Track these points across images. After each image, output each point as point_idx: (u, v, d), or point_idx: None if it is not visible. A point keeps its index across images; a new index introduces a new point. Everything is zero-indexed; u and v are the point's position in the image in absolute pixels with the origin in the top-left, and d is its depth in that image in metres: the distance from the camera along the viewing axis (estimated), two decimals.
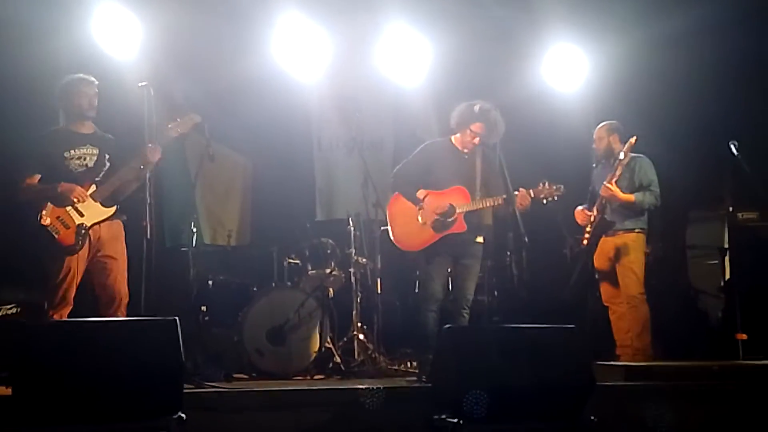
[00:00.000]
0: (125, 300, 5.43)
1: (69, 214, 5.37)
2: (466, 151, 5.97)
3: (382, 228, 6.76)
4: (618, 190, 6.42)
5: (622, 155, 6.39)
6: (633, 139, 6.39)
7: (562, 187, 5.84)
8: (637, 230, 6.50)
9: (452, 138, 6.03)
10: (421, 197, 5.86)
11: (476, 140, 5.89)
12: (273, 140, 8.05)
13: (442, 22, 7.51)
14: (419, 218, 5.86)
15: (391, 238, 6.05)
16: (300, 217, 7.61)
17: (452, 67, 7.61)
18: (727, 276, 7.38)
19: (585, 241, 6.56)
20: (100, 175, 5.50)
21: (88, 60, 5.98)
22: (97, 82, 5.57)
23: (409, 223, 5.89)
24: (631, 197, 6.43)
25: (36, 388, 3.92)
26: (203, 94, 7.06)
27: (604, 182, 6.42)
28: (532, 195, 5.78)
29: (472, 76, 7.52)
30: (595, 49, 7.73)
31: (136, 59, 6.60)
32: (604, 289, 6.64)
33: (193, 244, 6.73)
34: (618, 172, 6.42)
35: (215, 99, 7.16)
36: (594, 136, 6.73)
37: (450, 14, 7.54)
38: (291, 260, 7.00)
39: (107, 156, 5.57)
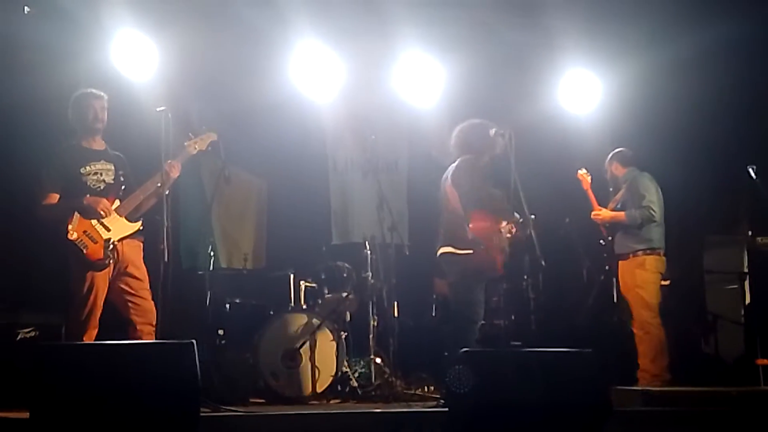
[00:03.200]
0: (153, 323, 5.42)
1: (96, 229, 5.36)
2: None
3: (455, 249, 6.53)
4: (605, 211, 6.63)
5: (619, 181, 6.53)
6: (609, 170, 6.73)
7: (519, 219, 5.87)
8: (648, 251, 6.51)
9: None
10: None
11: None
12: (288, 162, 8.06)
13: (457, 46, 7.54)
14: (499, 241, 5.83)
15: (493, 258, 5.90)
16: (315, 241, 7.61)
17: (467, 90, 7.62)
18: (747, 301, 7.34)
19: (608, 266, 6.65)
20: (121, 191, 5.52)
21: (105, 82, 6.02)
22: (105, 96, 5.59)
23: (496, 245, 5.83)
24: (621, 214, 6.57)
25: (52, 411, 3.91)
26: (219, 115, 7.08)
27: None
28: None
29: (487, 98, 7.53)
30: (608, 72, 7.74)
31: (154, 82, 6.64)
32: (624, 313, 6.66)
33: (210, 267, 6.74)
34: (619, 196, 6.54)
35: (231, 121, 7.19)
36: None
37: (464, 39, 7.56)
38: (307, 284, 7.00)
39: (121, 173, 5.60)
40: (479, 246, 5.73)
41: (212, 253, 6.78)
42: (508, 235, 5.93)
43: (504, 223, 5.86)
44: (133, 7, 6.63)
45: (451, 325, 5.84)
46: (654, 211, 6.54)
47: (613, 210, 6.70)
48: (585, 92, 7.73)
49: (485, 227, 5.81)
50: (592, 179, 6.89)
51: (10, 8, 6.32)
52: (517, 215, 5.82)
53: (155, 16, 6.75)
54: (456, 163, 5.96)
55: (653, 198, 6.60)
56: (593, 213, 6.69)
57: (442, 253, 5.91)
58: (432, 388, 6.20)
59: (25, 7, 6.32)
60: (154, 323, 5.39)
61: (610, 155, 6.90)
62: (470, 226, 5.75)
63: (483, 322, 5.85)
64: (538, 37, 7.56)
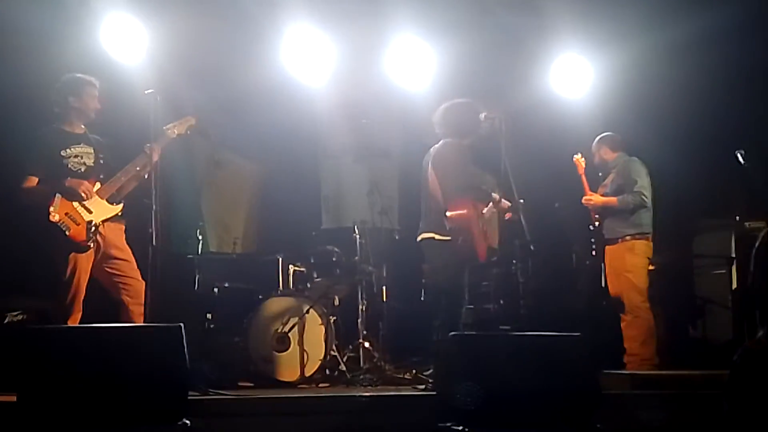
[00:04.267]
0: (142, 303, 5.41)
1: (77, 211, 5.37)
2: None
3: (437, 235, 6.52)
4: (597, 196, 6.62)
5: (609, 165, 6.51)
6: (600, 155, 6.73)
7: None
8: (637, 236, 6.53)
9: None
10: (498, 199, 5.87)
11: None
12: (280, 147, 8.04)
13: (450, 29, 7.50)
14: (482, 227, 5.83)
15: (473, 245, 5.88)
16: (306, 225, 7.61)
17: (459, 74, 7.59)
18: (735, 286, 7.35)
19: (594, 251, 6.65)
20: (101, 174, 5.51)
21: (93, 64, 5.99)
22: (98, 84, 5.59)
23: (479, 231, 5.82)
24: (613, 200, 6.59)
25: (40, 395, 3.92)
26: (210, 100, 7.07)
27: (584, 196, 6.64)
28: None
29: (479, 82, 7.51)
30: (601, 56, 7.71)
31: (143, 65, 6.60)
32: (613, 297, 6.66)
33: (199, 252, 6.73)
34: (609, 180, 6.54)
35: (222, 106, 7.18)
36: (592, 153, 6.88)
37: (457, 21, 7.52)
38: (297, 268, 6.99)
39: (101, 156, 5.59)
40: (458, 235, 5.73)
41: (201, 237, 6.77)
42: (502, 216, 5.93)
43: (485, 209, 5.85)
44: None
45: (437, 309, 5.84)
46: (645, 196, 6.56)
47: (603, 195, 6.70)
48: (577, 77, 7.70)
49: (464, 216, 5.77)
50: (586, 164, 6.89)
51: None
52: (497, 198, 5.82)
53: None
54: (438, 145, 5.92)
55: (644, 183, 6.62)
56: (585, 198, 6.69)
57: (423, 239, 5.90)
58: (421, 371, 6.19)
59: None
60: (143, 303, 5.38)
61: (598, 139, 6.91)
62: (448, 215, 5.73)
63: (471, 306, 5.85)
64: (531, 19, 7.53)
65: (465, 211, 5.76)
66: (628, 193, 6.57)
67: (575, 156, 6.93)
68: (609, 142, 6.86)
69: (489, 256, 5.91)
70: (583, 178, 6.78)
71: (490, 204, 5.86)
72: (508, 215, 5.95)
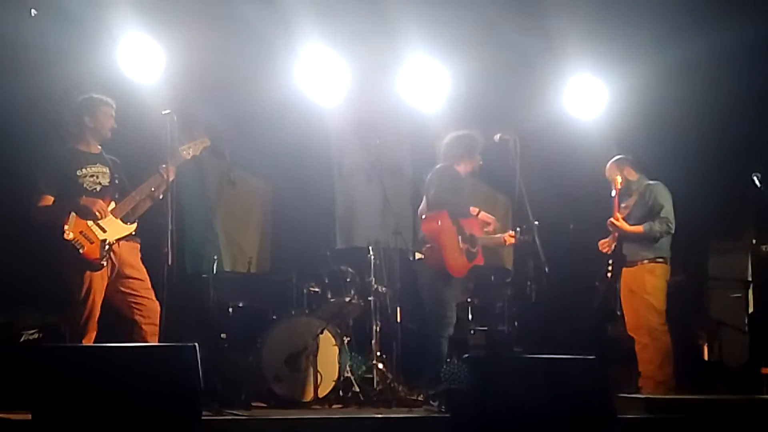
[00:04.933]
0: (157, 323, 5.41)
1: (92, 230, 5.37)
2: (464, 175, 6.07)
3: (417, 257, 6.71)
4: (624, 223, 6.42)
5: (633, 187, 6.41)
6: (619, 179, 6.49)
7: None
8: (657, 259, 6.47)
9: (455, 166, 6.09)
10: (475, 213, 5.90)
11: (477, 165, 5.98)
12: (293, 166, 8.05)
13: (463, 49, 7.52)
14: (460, 243, 5.84)
15: (441, 258, 5.95)
16: (320, 245, 7.59)
17: (472, 95, 7.61)
18: (751, 309, 7.30)
19: (609, 274, 6.55)
20: (116, 194, 5.53)
21: (109, 83, 6.03)
22: (114, 104, 5.63)
23: (454, 246, 5.87)
24: (640, 228, 6.42)
25: (54, 413, 3.91)
26: (224, 119, 7.09)
27: (612, 217, 6.43)
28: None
29: (492, 103, 7.52)
30: (614, 77, 7.71)
31: (158, 85, 6.64)
32: (628, 320, 6.59)
33: (214, 271, 6.73)
34: (631, 202, 6.42)
35: (236, 125, 7.20)
36: (606, 175, 6.73)
37: (470, 42, 7.54)
38: (311, 288, 6.99)
39: (116, 176, 5.62)
40: (428, 249, 5.84)
41: (216, 257, 6.78)
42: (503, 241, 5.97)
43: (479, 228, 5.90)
44: (140, 10, 6.62)
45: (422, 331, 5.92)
46: (671, 223, 6.45)
47: (624, 217, 6.51)
48: (590, 97, 7.70)
49: (437, 227, 5.90)
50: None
51: (16, 10, 6.32)
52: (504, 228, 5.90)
53: (161, 19, 6.75)
54: (433, 169, 6.06)
55: (670, 209, 6.49)
56: (611, 219, 6.49)
57: (414, 260, 6.02)
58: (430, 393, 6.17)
59: (32, 10, 6.32)
60: (158, 323, 5.39)
61: (619, 159, 6.74)
62: (422, 226, 5.88)
63: (485, 327, 5.85)
64: (543, 40, 7.54)
65: (437, 224, 5.91)
66: (654, 218, 6.46)
67: (616, 176, 6.70)
68: (634, 162, 6.69)
69: (473, 273, 5.91)
70: (616, 199, 6.59)
71: (492, 227, 5.92)
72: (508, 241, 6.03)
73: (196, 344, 4.18)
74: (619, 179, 6.59)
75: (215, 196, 7.42)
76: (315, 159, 8.29)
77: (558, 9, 7.19)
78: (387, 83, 7.73)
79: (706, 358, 7.51)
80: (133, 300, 5.46)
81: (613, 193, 6.54)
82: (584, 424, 4.39)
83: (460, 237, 5.85)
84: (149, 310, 5.44)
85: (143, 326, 5.42)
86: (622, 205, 6.53)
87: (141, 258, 5.61)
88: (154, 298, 5.46)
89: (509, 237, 5.95)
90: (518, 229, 5.86)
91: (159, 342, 5.21)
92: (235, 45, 7.17)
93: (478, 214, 5.98)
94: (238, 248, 8.06)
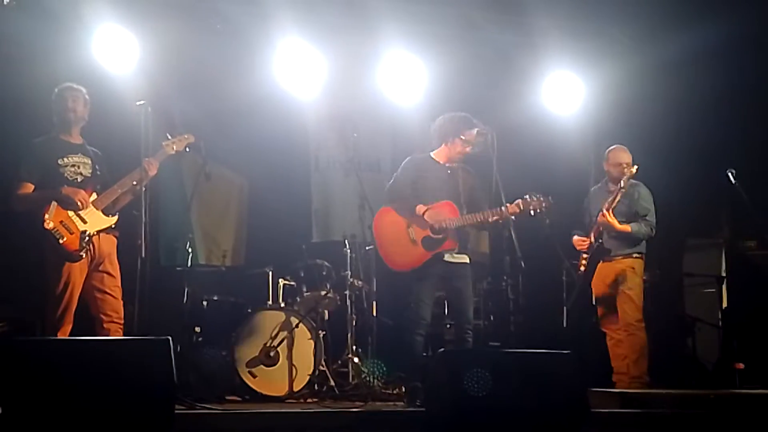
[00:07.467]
0: (121, 320, 5.39)
1: (72, 220, 5.34)
2: (448, 165, 5.97)
3: (367, 247, 6.80)
4: (615, 220, 6.38)
5: (621, 183, 6.35)
6: (635, 168, 6.35)
7: (550, 198, 5.80)
8: (635, 255, 6.48)
9: (432, 154, 6.03)
10: (421, 212, 5.79)
11: (467, 149, 5.88)
12: (270, 160, 8.02)
13: (441, 44, 7.53)
14: (410, 235, 5.81)
15: (381, 255, 6.02)
16: (295, 238, 7.57)
17: (450, 89, 7.61)
18: (725, 304, 7.35)
19: (582, 267, 6.54)
20: (98, 185, 5.49)
21: (85, 75, 5.98)
22: (85, 90, 5.59)
23: (399, 241, 5.84)
24: (628, 227, 6.40)
25: (24, 407, 3.87)
26: (201, 113, 7.06)
27: (602, 209, 6.38)
28: (521, 207, 5.74)
29: (470, 98, 7.51)
30: (592, 73, 7.74)
31: (135, 77, 6.61)
32: (602, 314, 6.61)
33: (188, 264, 6.69)
34: (617, 199, 6.38)
35: (213, 118, 7.16)
36: (610, 157, 6.60)
37: (448, 37, 7.55)
38: (286, 281, 6.96)
39: (98, 168, 5.58)
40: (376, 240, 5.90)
41: (190, 250, 6.74)
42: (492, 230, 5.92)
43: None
44: (114, 2, 6.58)
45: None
46: (654, 228, 6.47)
47: (607, 210, 6.42)
48: (569, 93, 7.73)
49: (378, 224, 5.95)
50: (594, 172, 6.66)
51: None
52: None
53: (136, 11, 6.72)
54: None
55: (653, 213, 6.51)
56: (602, 214, 6.43)
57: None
58: (408, 387, 6.16)
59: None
60: (122, 321, 5.39)
61: (624, 149, 6.58)
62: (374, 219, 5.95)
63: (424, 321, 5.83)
64: (522, 36, 7.56)
65: (379, 220, 5.95)
66: (639, 219, 6.45)
67: (575, 236, 6.63)
68: (631, 158, 6.58)
69: (417, 267, 5.83)
70: (619, 194, 6.49)
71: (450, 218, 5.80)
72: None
73: (170, 338, 4.15)
74: (634, 169, 6.37)
75: (191, 189, 7.37)
76: (292, 152, 8.27)
77: (536, 5, 7.22)
78: (365, 78, 7.72)
79: (680, 353, 7.55)
80: (99, 295, 5.43)
81: (611, 186, 6.49)
82: (558, 418, 4.40)
83: (410, 229, 5.79)
84: (113, 307, 5.42)
85: (105, 323, 5.40)
86: (608, 199, 6.46)
87: (117, 252, 5.57)
88: (120, 297, 5.44)
89: (513, 207, 5.69)
90: (527, 197, 5.74)
91: (133, 335, 5.16)
92: (212, 37, 7.13)
93: (424, 214, 5.81)
94: (213, 241, 8.03)
